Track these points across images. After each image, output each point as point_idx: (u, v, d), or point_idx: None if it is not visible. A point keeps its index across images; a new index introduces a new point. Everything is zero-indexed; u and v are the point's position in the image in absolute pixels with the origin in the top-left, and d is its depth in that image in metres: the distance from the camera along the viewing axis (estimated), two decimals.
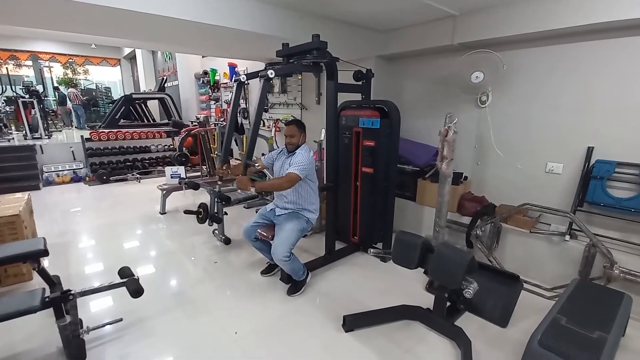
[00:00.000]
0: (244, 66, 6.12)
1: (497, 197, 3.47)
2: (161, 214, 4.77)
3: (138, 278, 2.23)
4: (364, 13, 3.32)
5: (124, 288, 2.17)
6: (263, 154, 3.22)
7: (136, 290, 2.13)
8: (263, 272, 3.21)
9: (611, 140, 2.80)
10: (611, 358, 1.82)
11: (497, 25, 3.07)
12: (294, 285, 2.92)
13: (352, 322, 2.47)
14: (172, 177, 4.66)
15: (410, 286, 3.00)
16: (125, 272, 2.28)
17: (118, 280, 2.23)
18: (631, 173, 2.72)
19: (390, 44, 3.89)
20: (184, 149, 5.79)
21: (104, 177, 6.32)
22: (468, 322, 2.51)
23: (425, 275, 2.40)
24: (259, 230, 2.98)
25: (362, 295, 2.88)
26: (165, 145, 6.89)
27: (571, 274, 2.82)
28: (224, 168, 3.02)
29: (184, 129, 5.54)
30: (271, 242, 2.85)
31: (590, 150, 2.90)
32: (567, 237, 2.89)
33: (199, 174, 5.64)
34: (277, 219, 2.95)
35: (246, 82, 2.99)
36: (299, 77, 5.12)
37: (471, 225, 3.27)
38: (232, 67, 5.96)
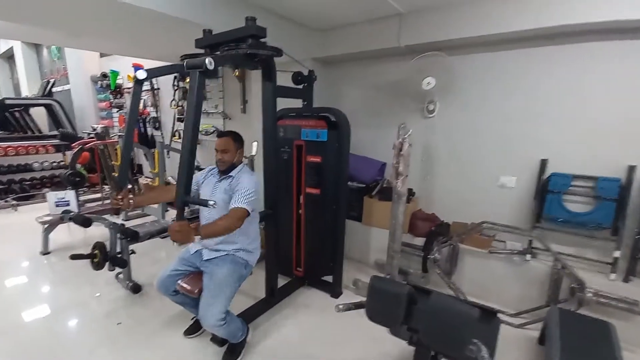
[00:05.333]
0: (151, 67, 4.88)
1: (447, 214, 3.03)
2: (43, 254, 3.41)
3: None
4: (301, 5, 2.61)
5: None
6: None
7: None
8: (187, 332, 2.28)
9: (565, 152, 2.53)
10: None
11: (447, 27, 2.63)
12: (231, 351, 2.07)
13: None
14: (57, 206, 3.34)
15: (370, 328, 2.28)
16: None
17: None
18: (587, 186, 2.45)
19: (328, 44, 3.22)
20: (77, 166, 4.38)
21: None
22: None
23: (410, 332, 1.75)
24: (180, 282, 2.06)
25: (317, 350, 2.17)
26: (54, 162, 5.21)
27: (534, 295, 2.48)
28: (120, 197, 1.90)
29: (76, 142, 4.16)
30: (197, 297, 1.95)
31: (544, 163, 2.59)
32: (528, 257, 2.54)
33: (98, 195, 4.29)
34: (204, 265, 2.06)
35: (146, 80, 2.01)
36: (221, 81, 4.18)
37: (427, 247, 2.76)
38: (138, 69, 4.72)
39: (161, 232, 2.86)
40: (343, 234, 2.69)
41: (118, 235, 2.71)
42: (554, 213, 2.53)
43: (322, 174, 2.59)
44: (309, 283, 2.83)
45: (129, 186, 2.17)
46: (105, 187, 4.27)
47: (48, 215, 3.38)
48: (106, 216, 2.98)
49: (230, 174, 2.05)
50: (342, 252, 2.69)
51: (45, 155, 5.09)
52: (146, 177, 4.43)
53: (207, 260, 2.06)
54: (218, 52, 2.09)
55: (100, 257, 2.61)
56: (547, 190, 2.55)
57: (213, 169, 2.18)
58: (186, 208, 1.78)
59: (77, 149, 4.17)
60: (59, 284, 2.93)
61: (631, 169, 2.28)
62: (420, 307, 1.71)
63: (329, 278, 2.78)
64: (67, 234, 3.66)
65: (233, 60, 2.08)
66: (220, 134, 2.12)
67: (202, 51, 2.18)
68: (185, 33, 2.60)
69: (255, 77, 3.58)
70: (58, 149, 5.13)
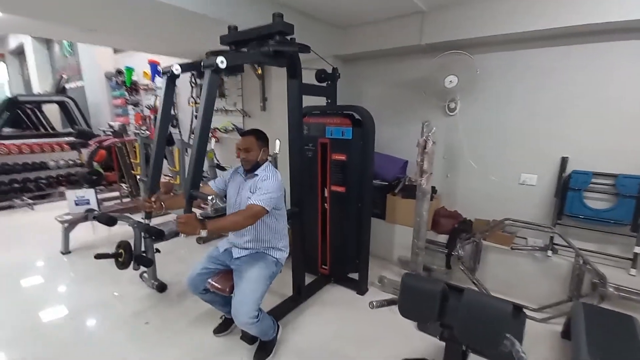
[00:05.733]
0: (167, 64, 4.82)
1: (469, 211, 3.04)
2: (63, 253, 3.42)
3: None
4: (322, 2, 2.58)
5: None
6: (205, 176, 2.27)
7: None
8: (217, 331, 2.29)
9: (585, 150, 2.53)
10: None
11: (469, 25, 2.61)
12: (263, 348, 2.08)
13: None
14: (77, 205, 3.34)
15: (397, 324, 2.35)
16: None
17: None
18: (607, 183, 2.47)
19: (349, 42, 3.20)
20: (94, 164, 4.38)
21: None
22: None
23: (444, 328, 1.78)
24: (210, 281, 2.07)
25: (348, 348, 2.17)
26: (70, 160, 5.20)
27: (556, 291, 2.50)
28: (152, 200, 1.96)
29: (94, 140, 4.15)
30: (229, 296, 1.97)
31: (565, 161, 2.60)
32: (550, 253, 2.56)
33: (117, 194, 4.29)
34: (235, 263, 2.07)
35: (179, 75, 2.01)
36: (239, 78, 4.14)
37: (450, 244, 2.78)
38: (154, 65, 4.69)
39: None
40: (369, 231, 2.70)
41: (143, 234, 2.72)
42: (575, 210, 2.55)
43: (347, 172, 2.60)
44: (335, 280, 2.86)
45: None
46: (123, 185, 4.27)
47: (68, 214, 3.39)
48: (129, 215, 2.97)
49: (255, 173, 2.03)
50: (368, 249, 2.71)
51: (60, 154, 5.08)
52: (165, 175, 4.41)
53: (237, 258, 2.07)
54: (245, 49, 2.08)
55: (126, 256, 2.60)
56: (568, 188, 2.56)
57: (239, 167, 2.17)
58: (212, 208, 1.80)
59: (94, 147, 4.17)
60: (83, 284, 2.94)
61: None
62: (453, 303, 1.73)
63: (354, 275, 2.80)
64: (87, 233, 3.66)
65: (256, 57, 2.06)
66: (243, 133, 2.09)
67: (227, 48, 2.16)
68: (203, 29, 2.59)
69: (275, 75, 3.56)
70: (73, 146, 5.11)
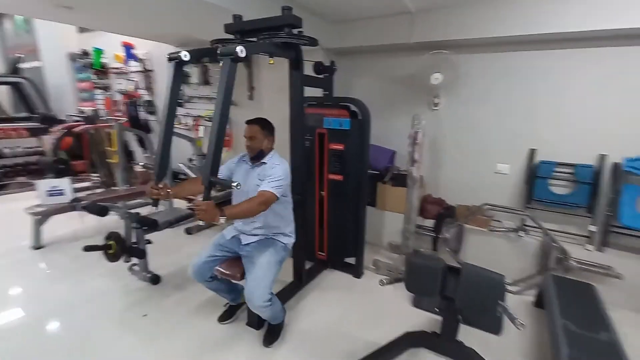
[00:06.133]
0: (143, 47, 4.59)
1: (452, 198, 3.29)
2: (35, 248, 3.15)
3: None
4: None
5: None
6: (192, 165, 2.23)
7: None
8: (222, 319, 2.30)
9: (550, 143, 2.85)
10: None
11: (454, 28, 2.80)
12: (272, 332, 2.14)
13: None
14: (50, 196, 3.09)
15: (395, 304, 2.55)
16: None
17: None
18: (568, 172, 2.81)
19: (342, 36, 3.27)
20: (59, 152, 4.03)
21: None
22: (463, 336, 2.11)
23: (444, 299, 1.95)
24: (218, 268, 2.08)
25: (351, 328, 2.29)
26: (28, 148, 4.72)
27: (527, 266, 2.82)
28: (161, 187, 1.92)
29: (61, 126, 3.80)
30: (236, 283, 2.00)
31: (533, 152, 2.91)
32: (522, 234, 2.87)
33: (87, 184, 3.99)
34: (244, 249, 2.09)
35: (188, 61, 1.95)
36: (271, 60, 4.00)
37: (437, 228, 3.00)
38: (129, 48, 4.39)
39: (180, 220, 2.80)
40: (364, 217, 2.83)
41: (134, 224, 2.61)
42: (542, 195, 2.87)
43: (344, 161, 2.70)
44: (332, 266, 2.96)
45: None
46: (94, 175, 3.98)
47: (40, 205, 3.12)
48: (119, 204, 2.82)
49: (263, 161, 2.07)
50: (364, 235, 2.84)
51: (16, 140, 4.57)
52: (143, 164, 4.16)
53: (246, 244, 2.10)
54: (254, 39, 2.07)
55: (117, 248, 2.50)
56: (536, 176, 2.88)
57: (245, 155, 2.18)
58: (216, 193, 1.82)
59: (60, 133, 3.84)
60: (64, 279, 2.75)
61: (602, 157, 2.66)
62: (453, 278, 1.92)
63: (350, 260, 2.93)
64: (59, 225, 3.38)
65: (269, 48, 2.07)
66: (248, 121, 2.10)
67: (230, 36, 2.14)
68: (192, 13, 2.50)
69: (263, 64, 3.52)
70: (34, 133, 4.61)
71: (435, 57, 2.94)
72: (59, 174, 3.66)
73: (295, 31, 2.01)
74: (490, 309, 1.80)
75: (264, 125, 2.08)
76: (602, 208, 2.68)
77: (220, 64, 1.72)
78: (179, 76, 2.01)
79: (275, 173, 1.96)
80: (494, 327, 2.29)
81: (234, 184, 1.65)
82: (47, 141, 4.21)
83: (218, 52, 1.75)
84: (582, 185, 2.73)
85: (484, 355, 1.95)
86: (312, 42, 2.14)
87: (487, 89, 3.02)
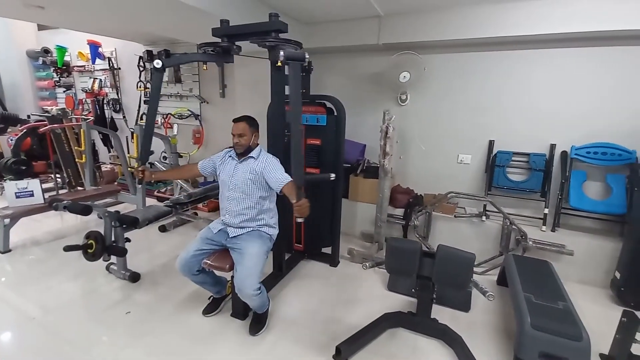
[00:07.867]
0: (110, 45, 4.39)
1: (420, 187, 3.48)
2: (2, 252, 2.96)
3: None
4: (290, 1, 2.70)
5: None
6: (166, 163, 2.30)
7: None
8: (206, 311, 2.30)
9: (507, 134, 3.11)
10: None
11: (419, 31, 3.01)
12: (258, 320, 2.17)
13: (347, 350, 1.95)
14: (18, 197, 2.91)
15: (370, 287, 2.66)
16: None
17: None
18: (523, 160, 3.08)
19: (314, 37, 3.36)
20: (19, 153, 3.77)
21: None
22: (436, 315, 2.24)
23: (420, 279, 2.08)
24: (206, 260, 2.09)
25: (331, 312, 2.37)
26: None
27: (490, 248, 3.03)
28: (141, 169, 2.13)
29: (22, 126, 3.55)
30: (227, 273, 2.03)
31: (492, 143, 3.15)
32: (484, 218, 3.09)
33: (50, 185, 3.77)
34: (231, 242, 2.12)
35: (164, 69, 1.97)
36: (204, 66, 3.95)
37: (406, 216, 3.16)
38: (94, 47, 4.17)
39: (159, 217, 2.74)
40: (340, 209, 2.92)
41: (113, 223, 2.53)
42: (501, 182, 3.12)
43: (321, 155, 2.77)
44: (309, 256, 3.03)
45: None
46: (57, 176, 3.75)
47: (7, 208, 2.93)
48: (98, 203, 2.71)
49: (250, 156, 2.13)
50: (339, 226, 2.93)
51: None
52: (108, 163, 3.96)
53: (234, 237, 2.13)
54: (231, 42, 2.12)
55: (97, 247, 2.42)
56: (495, 165, 3.12)
57: (229, 151, 2.22)
58: (197, 188, 1.93)
59: (21, 133, 3.60)
60: (36, 283, 2.61)
61: (552, 147, 2.95)
62: (427, 259, 2.06)
63: (326, 250, 3.01)
64: (25, 227, 3.18)
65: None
66: (236, 119, 2.16)
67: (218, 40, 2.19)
68: (172, 15, 2.50)
69: (236, 62, 3.49)
70: None
71: (403, 57, 3.09)
72: (19, 176, 3.44)
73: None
74: (464, 284, 1.95)
75: (251, 123, 2.15)
76: (554, 192, 2.96)
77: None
78: (160, 81, 2.03)
79: (275, 165, 2.10)
80: (464, 305, 2.48)
81: (332, 176, 2.04)
82: (3, 142, 3.92)
83: (284, 55, 1.89)
84: (536, 172, 3.00)
85: (456, 330, 2.09)
86: (298, 45, 2.22)
87: (449, 86, 3.23)
